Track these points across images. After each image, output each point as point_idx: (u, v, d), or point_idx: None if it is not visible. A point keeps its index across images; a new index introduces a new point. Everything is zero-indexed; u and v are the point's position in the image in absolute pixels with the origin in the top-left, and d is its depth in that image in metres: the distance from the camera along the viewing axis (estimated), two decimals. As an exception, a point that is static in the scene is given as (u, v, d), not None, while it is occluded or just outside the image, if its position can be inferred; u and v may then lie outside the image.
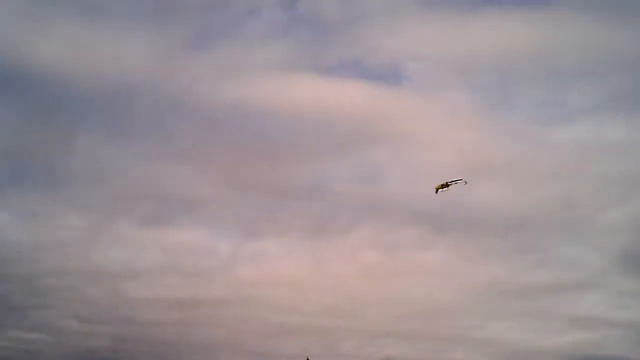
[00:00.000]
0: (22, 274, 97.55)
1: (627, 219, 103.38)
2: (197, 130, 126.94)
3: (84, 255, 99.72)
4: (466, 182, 73.55)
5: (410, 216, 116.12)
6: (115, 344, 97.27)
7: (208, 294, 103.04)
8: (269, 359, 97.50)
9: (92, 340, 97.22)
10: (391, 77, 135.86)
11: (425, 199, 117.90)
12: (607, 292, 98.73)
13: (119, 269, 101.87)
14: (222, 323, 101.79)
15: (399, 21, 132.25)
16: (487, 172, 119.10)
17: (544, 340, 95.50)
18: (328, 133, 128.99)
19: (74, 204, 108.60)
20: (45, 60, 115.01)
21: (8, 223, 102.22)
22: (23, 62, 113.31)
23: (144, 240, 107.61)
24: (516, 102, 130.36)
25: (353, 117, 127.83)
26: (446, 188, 74.80)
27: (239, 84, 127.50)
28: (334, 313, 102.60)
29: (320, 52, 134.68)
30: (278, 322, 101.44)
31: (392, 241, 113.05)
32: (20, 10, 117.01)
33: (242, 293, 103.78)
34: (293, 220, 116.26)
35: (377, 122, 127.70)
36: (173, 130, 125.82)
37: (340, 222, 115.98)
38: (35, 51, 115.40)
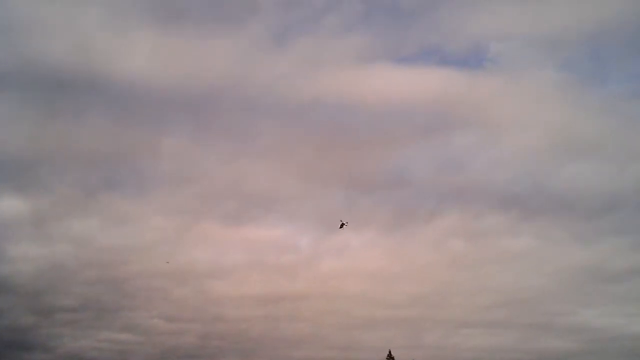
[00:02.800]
0: (112, 276, 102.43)
1: None
2: (278, 128, 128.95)
3: (170, 257, 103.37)
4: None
5: (495, 202, 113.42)
6: (202, 341, 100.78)
7: (291, 289, 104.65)
8: (352, 351, 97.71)
9: (179, 339, 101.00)
10: (473, 60, 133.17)
11: (510, 184, 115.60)
12: None
13: (204, 268, 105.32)
14: (305, 317, 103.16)
15: (479, 2, 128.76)
16: (575, 152, 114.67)
17: (635, 326, 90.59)
18: (408, 122, 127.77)
19: (161, 206, 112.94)
20: (130, 68, 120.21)
21: (98, 228, 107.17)
22: (110, 71, 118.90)
23: (227, 239, 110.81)
24: (607, 77, 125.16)
25: (434, 105, 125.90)
26: None
27: (318, 79, 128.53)
28: (418, 304, 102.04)
29: (399, 41, 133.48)
30: (361, 314, 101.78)
31: (477, 229, 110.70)
32: (105, 21, 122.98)
33: (324, 287, 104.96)
34: (374, 212, 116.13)
35: (459, 108, 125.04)
36: (254, 129, 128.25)
37: (423, 211, 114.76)
38: (120, 60, 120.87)
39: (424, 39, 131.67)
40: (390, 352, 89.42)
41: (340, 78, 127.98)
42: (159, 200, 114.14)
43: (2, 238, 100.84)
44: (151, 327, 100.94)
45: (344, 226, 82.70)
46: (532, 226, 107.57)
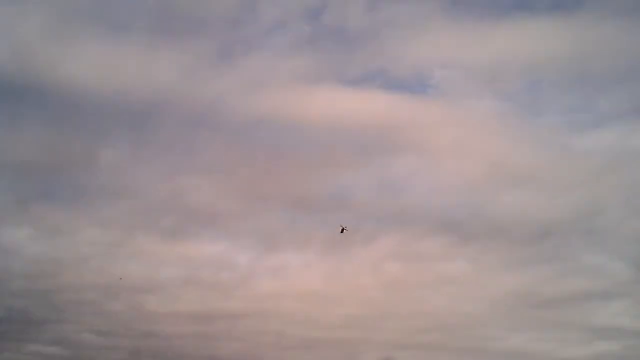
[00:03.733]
0: (42, 288, 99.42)
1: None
2: (221, 144, 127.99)
3: (103, 270, 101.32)
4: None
5: (433, 227, 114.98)
6: (133, 357, 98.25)
7: (227, 307, 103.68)
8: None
9: (109, 354, 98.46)
10: (417, 86, 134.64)
11: (448, 209, 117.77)
12: (631, 302, 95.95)
13: (138, 283, 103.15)
14: (240, 336, 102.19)
15: (425, 29, 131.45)
16: (512, 180, 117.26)
17: (566, 352, 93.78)
18: (351, 144, 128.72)
19: (96, 219, 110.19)
20: (71, 77, 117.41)
21: (30, 238, 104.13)
22: (49, 79, 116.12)
23: (163, 254, 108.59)
24: (544, 109, 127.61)
25: (377, 128, 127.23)
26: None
27: (263, 98, 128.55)
28: (354, 325, 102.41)
29: (345, 64, 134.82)
30: (297, 335, 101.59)
31: (414, 252, 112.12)
32: (47, 28, 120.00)
33: (261, 306, 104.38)
34: (314, 233, 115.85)
35: (402, 132, 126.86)
36: (198, 144, 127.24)
37: (362, 234, 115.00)
38: (61, 69, 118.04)
39: (369, 62, 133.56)
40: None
41: (285, 98, 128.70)
42: (94, 212, 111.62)
43: None
44: (80, 341, 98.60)
45: (345, 230, 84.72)
46: (468, 251, 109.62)
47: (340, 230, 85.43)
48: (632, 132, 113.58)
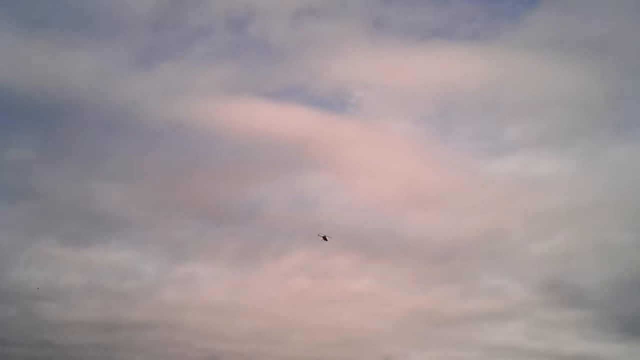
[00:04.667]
0: None
1: (550, 253, 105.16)
2: (134, 150, 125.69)
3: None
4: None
5: (343, 243, 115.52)
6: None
7: (130, 317, 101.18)
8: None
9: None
10: (336, 104, 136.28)
11: (358, 226, 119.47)
12: (526, 322, 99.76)
13: (36, 289, 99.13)
14: (142, 347, 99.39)
15: (347, 48, 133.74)
16: (421, 201, 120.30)
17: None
18: (267, 157, 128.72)
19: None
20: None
21: None
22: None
23: (65, 260, 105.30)
24: (455, 134, 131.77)
25: (294, 142, 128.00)
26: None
27: (182, 105, 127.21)
28: (258, 339, 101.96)
29: (266, 76, 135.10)
30: (201, 347, 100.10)
31: (323, 268, 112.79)
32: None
33: (165, 317, 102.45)
34: (224, 245, 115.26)
35: (319, 148, 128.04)
36: (109, 148, 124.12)
37: (272, 248, 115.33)
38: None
39: (290, 77, 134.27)
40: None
41: (203, 107, 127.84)
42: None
43: None
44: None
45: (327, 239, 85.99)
46: (375, 268, 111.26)
47: (322, 238, 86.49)
48: (534, 161, 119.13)
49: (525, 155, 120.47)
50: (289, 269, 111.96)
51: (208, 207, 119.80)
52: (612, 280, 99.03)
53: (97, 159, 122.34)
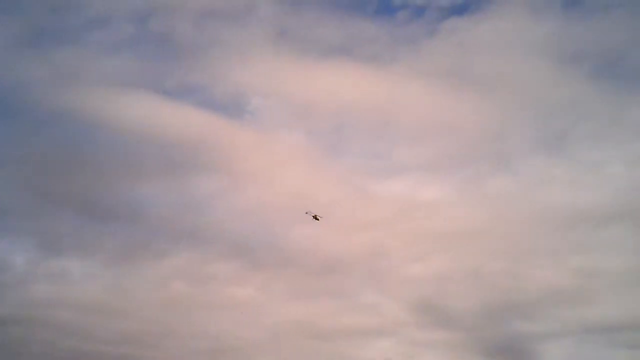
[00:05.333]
0: None
1: (427, 274, 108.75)
2: (17, 134, 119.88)
3: None
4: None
5: (227, 250, 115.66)
6: None
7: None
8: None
9: None
10: (233, 109, 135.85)
11: (243, 234, 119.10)
12: (398, 340, 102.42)
13: None
14: (4, 344, 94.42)
15: (251, 55, 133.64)
16: (309, 214, 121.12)
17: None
18: (157, 156, 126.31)
19: None
20: None
21: None
22: None
23: None
24: (347, 151, 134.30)
25: (187, 144, 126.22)
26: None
27: (72, 93, 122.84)
28: (129, 342, 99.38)
29: (165, 73, 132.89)
30: (67, 346, 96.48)
31: (205, 273, 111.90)
32: None
33: (32, 313, 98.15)
34: (102, 242, 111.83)
35: (211, 152, 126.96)
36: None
37: (153, 249, 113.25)
38: None
39: (189, 76, 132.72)
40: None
41: (94, 97, 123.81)
42: None
43: None
44: None
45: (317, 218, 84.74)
46: (257, 278, 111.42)
47: (313, 217, 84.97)
48: (419, 185, 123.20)
49: (412, 178, 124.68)
50: (168, 272, 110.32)
51: (89, 201, 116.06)
52: (480, 305, 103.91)
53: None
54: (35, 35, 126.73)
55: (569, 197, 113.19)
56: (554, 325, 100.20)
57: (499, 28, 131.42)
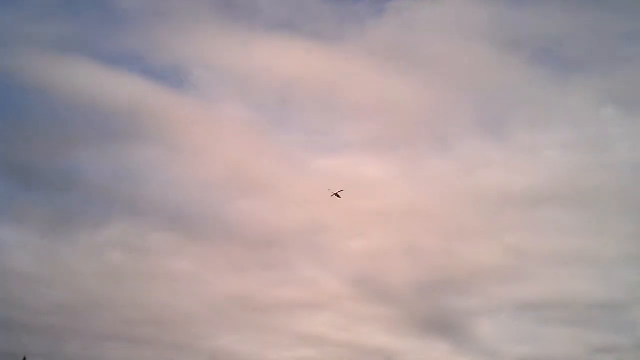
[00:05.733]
0: None
1: (366, 249, 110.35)
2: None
3: None
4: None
5: (164, 221, 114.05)
6: None
7: None
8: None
9: None
10: (174, 79, 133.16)
11: (182, 206, 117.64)
12: (335, 314, 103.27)
13: None
14: None
15: (194, 24, 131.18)
16: (248, 187, 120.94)
17: (269, 354, 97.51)
18: (94, 123, 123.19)
19: None
20: None
21: None
22: None
23: None
24: (289, 126, 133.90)
25: (125, 112, 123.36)
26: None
27: (7, 57, 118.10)
28: (61, 312, 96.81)
29: (104, 39, 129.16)
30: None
31: (141, 244, 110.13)
32: None
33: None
34: (34, 210, 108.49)
35: (150, 121, 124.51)
36: None
37: (88, 218, 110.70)
38: None
39: (129, 44, 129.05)
40: (25, 358, 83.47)
41: (28, 61, 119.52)
42: None
43: None
44: None
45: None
46: (195, 249, 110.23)
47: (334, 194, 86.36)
48: (360, 162, 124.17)
49: (353, 155, 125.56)
50: (104, 242, 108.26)
51: (22, 168, 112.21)
52: (416, 281, 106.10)
53: None
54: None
55: (504, 179, 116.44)
56: (486, 301, 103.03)
57: (444, 11, 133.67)
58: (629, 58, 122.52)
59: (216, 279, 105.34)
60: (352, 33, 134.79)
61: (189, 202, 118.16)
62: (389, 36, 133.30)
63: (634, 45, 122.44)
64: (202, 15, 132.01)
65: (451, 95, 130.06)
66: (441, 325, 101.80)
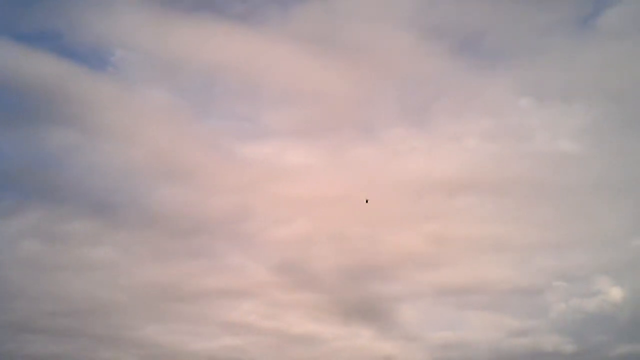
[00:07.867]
0: None
1: (291, 237, 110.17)
2: None
3: None
4: None
5: (84, 208, 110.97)
6: None
7: None
8: None
9: None
10: (94, 60, 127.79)
11: (102, 192, 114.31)
12: (261, 302, 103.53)
13: None
14: None
15: (114, 4, 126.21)
16: (172, 174, 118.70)
17: (194, 344, 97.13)
18: (7, 104, 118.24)
19: None
20: None
21: None
22: None
23: None
24: (214, 112, 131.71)
25: (40, 93, 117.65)
26: None
27: None
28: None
29: (20, 17, 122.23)
30: None
31: (59, 232, 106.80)
32: None
33: None
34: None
35: (67, 103, 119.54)
36: None
37: (2, 205, 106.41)
38: None
39: (47, 22, 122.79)
40: None
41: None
42: None
43: None
44: None
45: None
46: (117, 238, 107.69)
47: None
48: (285, 149, 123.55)
49: (278, 142, 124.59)
50: (18, 230, 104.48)
51: None
52: (341, 268, 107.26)
53: None
54: None
55: (426, 167, 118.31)
56: (408, 287, 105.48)
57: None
58: (547, 50, 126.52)
59: (139, 268, 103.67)
60: (276, 17, 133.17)
61: (109, 188, 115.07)
62: (314, 21, 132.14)
63: (553, 37, 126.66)
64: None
65: (376, 82, 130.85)
66: (365, 311, 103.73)
